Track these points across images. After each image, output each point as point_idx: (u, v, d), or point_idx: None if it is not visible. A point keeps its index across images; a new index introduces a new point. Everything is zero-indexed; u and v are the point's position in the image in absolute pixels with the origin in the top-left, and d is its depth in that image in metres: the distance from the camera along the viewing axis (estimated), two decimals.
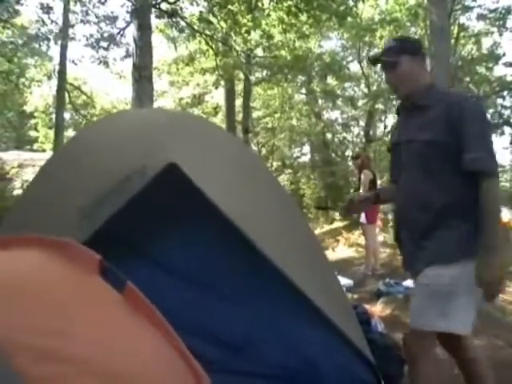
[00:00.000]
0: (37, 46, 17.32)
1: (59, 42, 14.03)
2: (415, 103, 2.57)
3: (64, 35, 14.08)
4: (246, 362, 3.35)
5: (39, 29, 13.34)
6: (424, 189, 2.47)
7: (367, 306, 4.71)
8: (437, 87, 2.65)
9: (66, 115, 22.17)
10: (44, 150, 23.63)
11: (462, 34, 19.38)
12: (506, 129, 21.42)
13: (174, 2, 11.88)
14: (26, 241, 1.78)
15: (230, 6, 12.60)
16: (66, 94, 18.11)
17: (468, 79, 19.18)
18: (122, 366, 1.20)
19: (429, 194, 2.45)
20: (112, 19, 11.70)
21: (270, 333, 3.40)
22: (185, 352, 1.25)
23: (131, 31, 10.50)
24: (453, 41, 17.49)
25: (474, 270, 2.28)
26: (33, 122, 25.56)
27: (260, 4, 14.81)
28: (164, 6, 11.29)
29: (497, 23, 18.66)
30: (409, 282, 6.60)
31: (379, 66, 2.80)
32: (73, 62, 14.36)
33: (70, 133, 23.52)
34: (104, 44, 11.86)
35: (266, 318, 3.42)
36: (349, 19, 14.61)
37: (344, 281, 7.25)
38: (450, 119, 2.36)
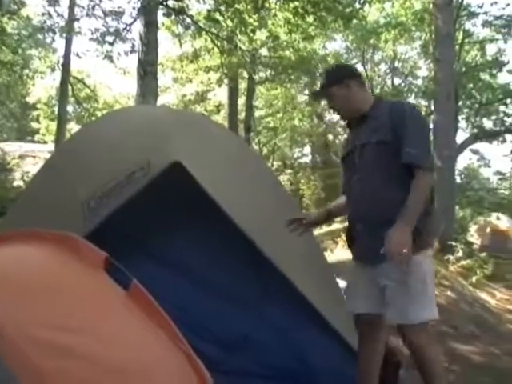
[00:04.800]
0: (41, 37, 17.30)
1: (64, 35, 13.99)
2: (365, 115, 2.87)
3: (69, 28, 14.04)
4: (242, 362, 3.36)
5: (45, 21, 13.24)
6: (377, 184, 2.70)
7: None
8: (382, 100, 3.06)
9: (69, 108, 21.97)
10: (45, 142, 23.57)
11: (466, 40, 19.37)
12: (508, 136, 21.44)
13: (181, 0, 11.85)
14: (29, 235, 1.79)
15: (236, 5, 12.55)
16: (70, 87, 18.02)
17: (471, 86, 19.15)
18: (131, 363, 1.22)
19: (382, 188, 2.68)
20: (118, 14, 11.64)
21: (268, 334, 3.41)
22: (189, 352, 1.26)
23: (137, 27, 10.48)
24: (457, 47, 17.47)
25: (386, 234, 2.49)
26: (35, 113, 25.48)
27: (267, 4, 14.79)
28: (171, 3, 11.25)
29: (502, 30, 18.68)
30: None
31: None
32: (77, 55, 14.28)
33: (72, 125, 23.37)
34: (109, 39, 11.80)
35: (265, 320, 3.43)
36: (354, 21, 14.61)
37: (342, 283, 7.19)
38: (393, 122, 2.70)
